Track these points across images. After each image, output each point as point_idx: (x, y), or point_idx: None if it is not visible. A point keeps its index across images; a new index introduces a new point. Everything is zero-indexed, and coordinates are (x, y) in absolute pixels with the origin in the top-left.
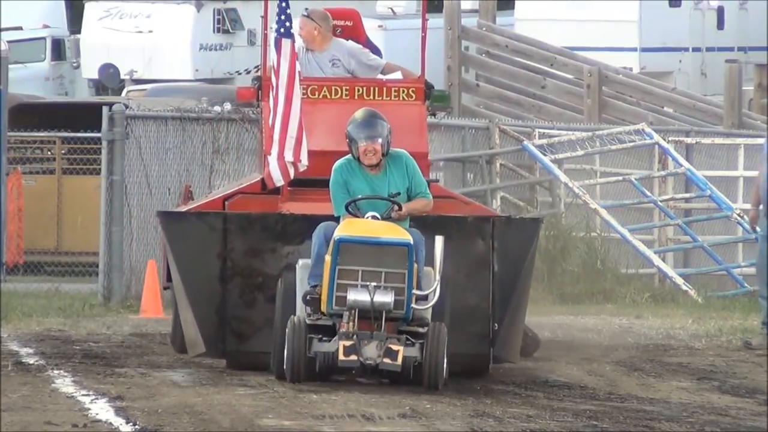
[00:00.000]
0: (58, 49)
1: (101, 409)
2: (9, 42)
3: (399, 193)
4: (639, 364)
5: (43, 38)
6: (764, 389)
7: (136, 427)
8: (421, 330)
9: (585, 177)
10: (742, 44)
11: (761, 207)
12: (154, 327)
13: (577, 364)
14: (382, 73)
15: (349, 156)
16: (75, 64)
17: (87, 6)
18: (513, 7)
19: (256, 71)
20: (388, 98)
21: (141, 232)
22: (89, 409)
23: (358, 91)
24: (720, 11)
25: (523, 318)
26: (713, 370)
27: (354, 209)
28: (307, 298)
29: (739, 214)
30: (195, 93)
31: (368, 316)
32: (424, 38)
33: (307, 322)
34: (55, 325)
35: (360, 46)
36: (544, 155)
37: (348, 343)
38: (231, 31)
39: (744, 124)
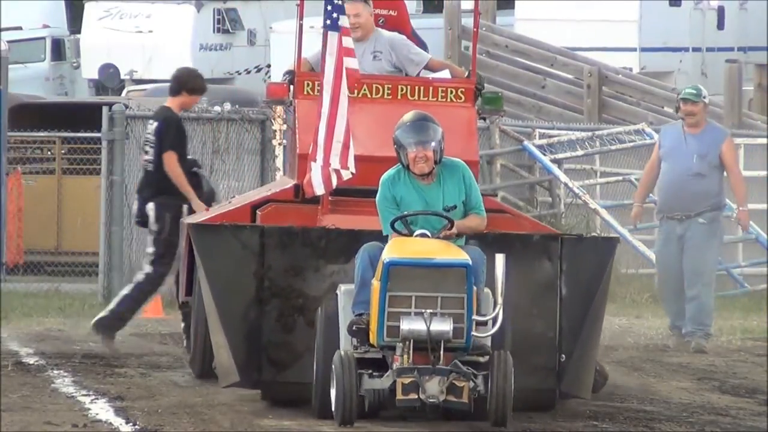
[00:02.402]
0: (58, 49)
1: (101, 409)
2: (9, 42)
3: (455, 207)
4: (639, 364)
5: (43, 38)
6: (764, 389)
7: (136, 427)
8: (481, 360)
9: (585, 177)
10: (742, 44)
11: (656, 205)
12: (154, 327)
13: None
14: (428, 69)
15: (397, 166)
16: (75, 64)
17: (87, 6)
18: (513, 7)
19: (257, 71)
20: (435, 99)
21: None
22: (89, 409)
23: (402, 90)
24: (720, 11)
25: (596, 349)
26: (713, 370)
27: (401, 227)
28: (353, 328)
29: None
30: None
31: (424, 347)
32: (476, 33)
33: (354, 355)
34: (55, 325)
35: (403, 37)
36: (544, 155)
37: (407, 380)
38: (231, 31)
39: (744, 124)
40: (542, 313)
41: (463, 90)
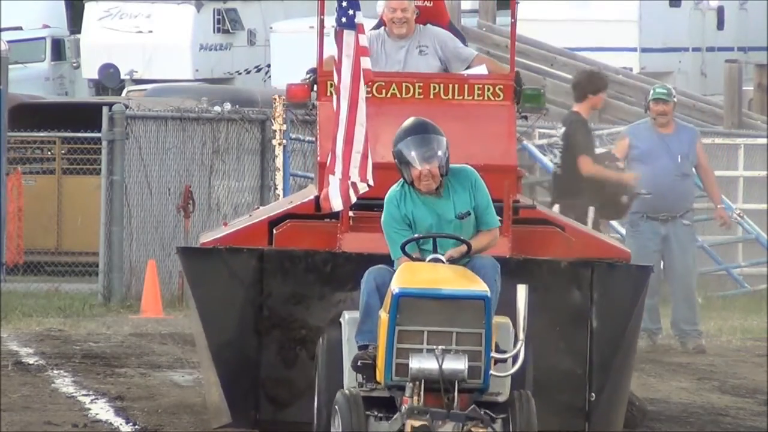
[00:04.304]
0: (58, 49)
1: (101, 409)
2: (9, 42)
3: (469, 213)
4: (639, 364)
5: (43, 38)
6: (764, 389)
7: (136, 427)
8: (499, 400)
9: None
10: (742, 44)
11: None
12: (154, 327)
13: None
14: (469, 66)
15: (400, 182)
16: (75, 64)
17: (87, 6)
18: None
19: (257, 71)
20: (470, 97)
21: (141, 232)
22: (89, 409)
23: (434, 88)
24: (720, 11)
25: (628, 386)
26: (713, 370)
27: (413, 249)
28: (358, 364)
29: (739, 214)
30: (195, 93)
31: (437, 387)
32: (514, 24)
33: (360, 393)
34: (55, 325)
35: (446, 31)
36: (544, 155)
37: (418, 423)
38: (231, 31)
39: (744, 124)
40: (570, 348)
41: (502, 87)
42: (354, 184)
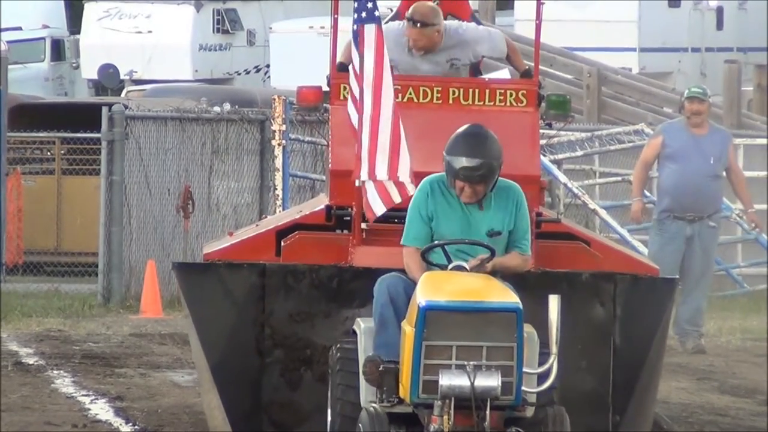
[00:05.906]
0: (58, 50)
1: (101, 410)
2: (9, 42)
3: (500, 233)
4: None
5: (43, 38)
6: (764, 389)
7: (136, 427)
8: (527, 414)
9: (584, 177)
10: (741, 44)
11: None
12: (154, 327)
13: None
14: (505, 60)
15: (443, 175)
16: (75, 65)
17: (86, 6)
18: (513, 7)
19: (256, 71)
20: (492, 102)
21: (141, 232)
22: (89, 409)
23: (453, 93)
24: (719, 11)
25: (653, 407)
26: (713, 370)
27: (434, 257)
28: (381, 369)
29: (738, 215)
30: (194, 93)
31: (467, 405)
32: (538, 25)
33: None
34: (55, 326)
35: (474, 27)
36: (544, 155)
37: None
38: (230, 31)
39: (743, 124)
40: (593, 366)
41: (525, 92)
42: (396, 183)
